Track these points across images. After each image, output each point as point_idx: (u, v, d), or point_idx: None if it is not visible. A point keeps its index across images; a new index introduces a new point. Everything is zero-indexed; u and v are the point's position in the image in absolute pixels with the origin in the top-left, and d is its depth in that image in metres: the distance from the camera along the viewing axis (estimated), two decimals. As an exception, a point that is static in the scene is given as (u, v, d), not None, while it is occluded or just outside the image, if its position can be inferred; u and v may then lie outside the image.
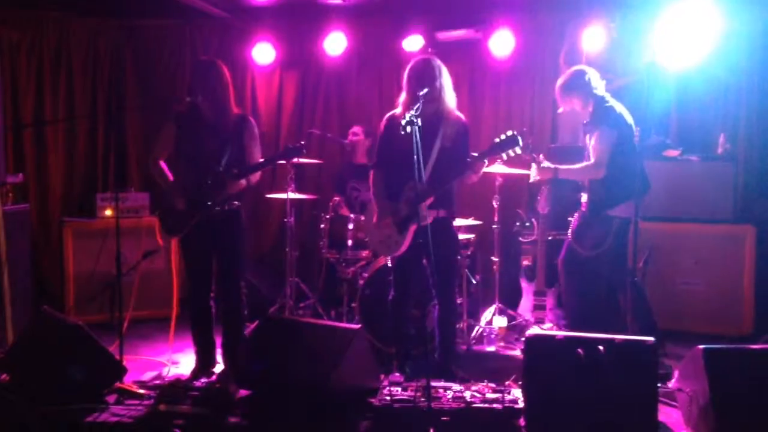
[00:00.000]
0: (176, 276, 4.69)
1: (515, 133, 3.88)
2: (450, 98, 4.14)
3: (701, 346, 3.40)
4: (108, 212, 5.71)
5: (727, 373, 3.30)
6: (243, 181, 4.23)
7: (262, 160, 4.32)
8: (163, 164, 4.32)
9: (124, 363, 4.04)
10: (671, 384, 3.79)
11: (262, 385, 3.82)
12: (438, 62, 4.11)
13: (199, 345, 4.42)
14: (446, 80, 4.12)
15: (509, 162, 4.44)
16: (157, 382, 4.21)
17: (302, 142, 4.29)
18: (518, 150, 3.89)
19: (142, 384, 4.08)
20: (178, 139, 4.27)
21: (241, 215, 4.37)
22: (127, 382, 4.02)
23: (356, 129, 5.82)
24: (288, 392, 3.67)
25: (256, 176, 4.32)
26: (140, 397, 3.87)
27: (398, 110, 4.16)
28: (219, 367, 4.42)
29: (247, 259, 4.59)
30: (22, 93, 5.96)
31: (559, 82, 4.53)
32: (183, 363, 4.64)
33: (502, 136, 3.91)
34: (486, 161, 4.02)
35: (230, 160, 4.16)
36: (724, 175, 5.29)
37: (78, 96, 6.19)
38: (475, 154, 3.99)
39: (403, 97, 4.16)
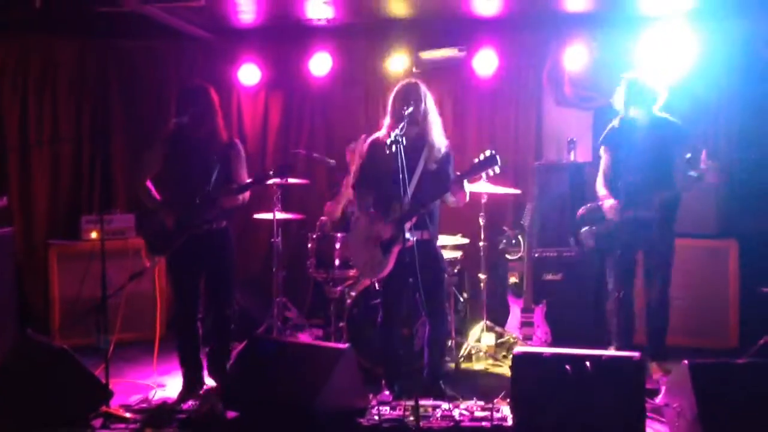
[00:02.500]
0: (160, 298, 4.66)
1: (494, 152, 3.87)
2: (435, 122, 4.16)
3: (687, 361, 3.43)
4: (93, 234, 5.66)
5: (713, 387, 3.32)
6: (239, 198, 4.26)
7: (250, 180, 4.33)
8: (150, 185, 4.32)
9: (110, 386, 4.00)
10: (658, 399, 3.81)
11: (249, 406, 3.80)
12: (423, 87, 4.14)
13: (185, 367, 4.39)
14: (431, 104, 4.16)
15: (493, 179, 4.46)
16: (144, 405, 4.17)
17: (290, 162, 4.31)
18: (497, 169, 3.88)
19: (128, 408, 4.04)
20: (165, 160, 4.27)
21: (230, 234, 4.38)
22: (114, 405, 3.99)
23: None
24: (275, 413, 3.65)
25: (246, 196, 4.34)
26: (126, 421, 3.83)
27: (382, 132, 4.17)
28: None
29: (236, 280, 4.57)
30: (6, 115, 5.92)
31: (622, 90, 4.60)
32: (170, 385, 4.60)
33: (481, 156, 3.91)
34: (466, 182, 4.02)
35: (218, 180, 4.17)
36: (706, 190, 5.34)
37: (63, 117, 6.14)
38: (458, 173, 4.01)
39: (387, 120, 4.18)
